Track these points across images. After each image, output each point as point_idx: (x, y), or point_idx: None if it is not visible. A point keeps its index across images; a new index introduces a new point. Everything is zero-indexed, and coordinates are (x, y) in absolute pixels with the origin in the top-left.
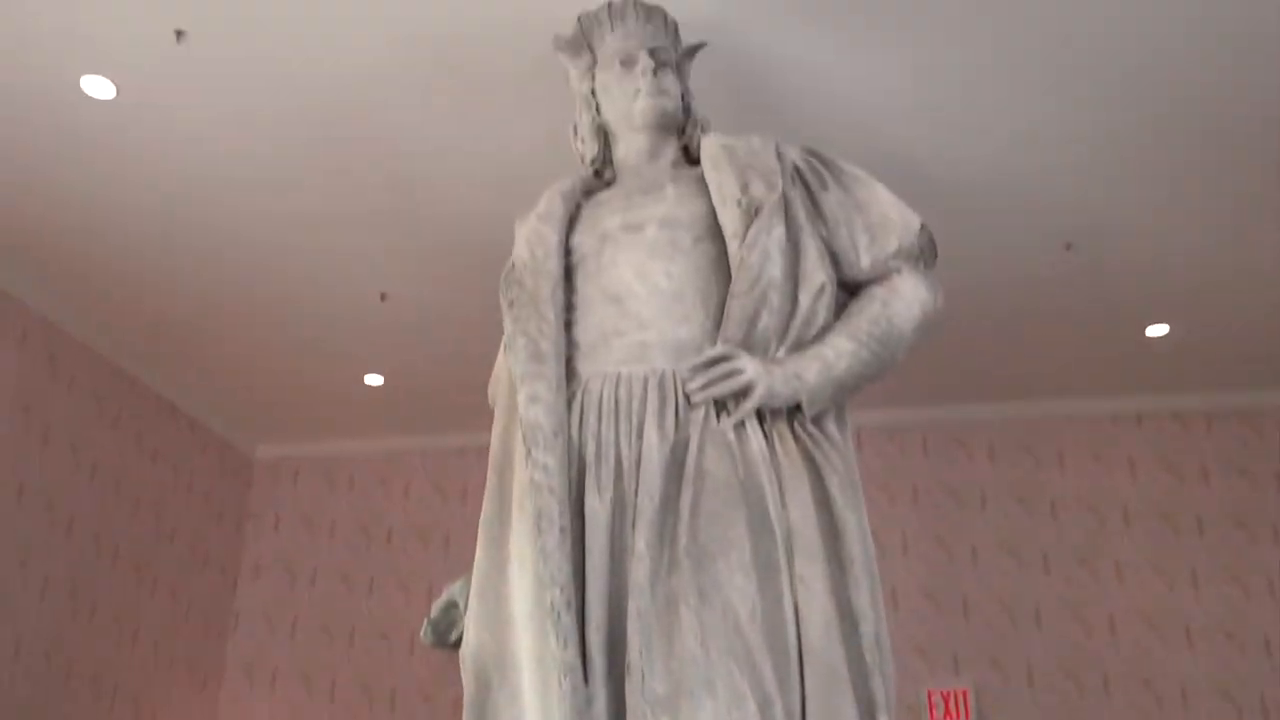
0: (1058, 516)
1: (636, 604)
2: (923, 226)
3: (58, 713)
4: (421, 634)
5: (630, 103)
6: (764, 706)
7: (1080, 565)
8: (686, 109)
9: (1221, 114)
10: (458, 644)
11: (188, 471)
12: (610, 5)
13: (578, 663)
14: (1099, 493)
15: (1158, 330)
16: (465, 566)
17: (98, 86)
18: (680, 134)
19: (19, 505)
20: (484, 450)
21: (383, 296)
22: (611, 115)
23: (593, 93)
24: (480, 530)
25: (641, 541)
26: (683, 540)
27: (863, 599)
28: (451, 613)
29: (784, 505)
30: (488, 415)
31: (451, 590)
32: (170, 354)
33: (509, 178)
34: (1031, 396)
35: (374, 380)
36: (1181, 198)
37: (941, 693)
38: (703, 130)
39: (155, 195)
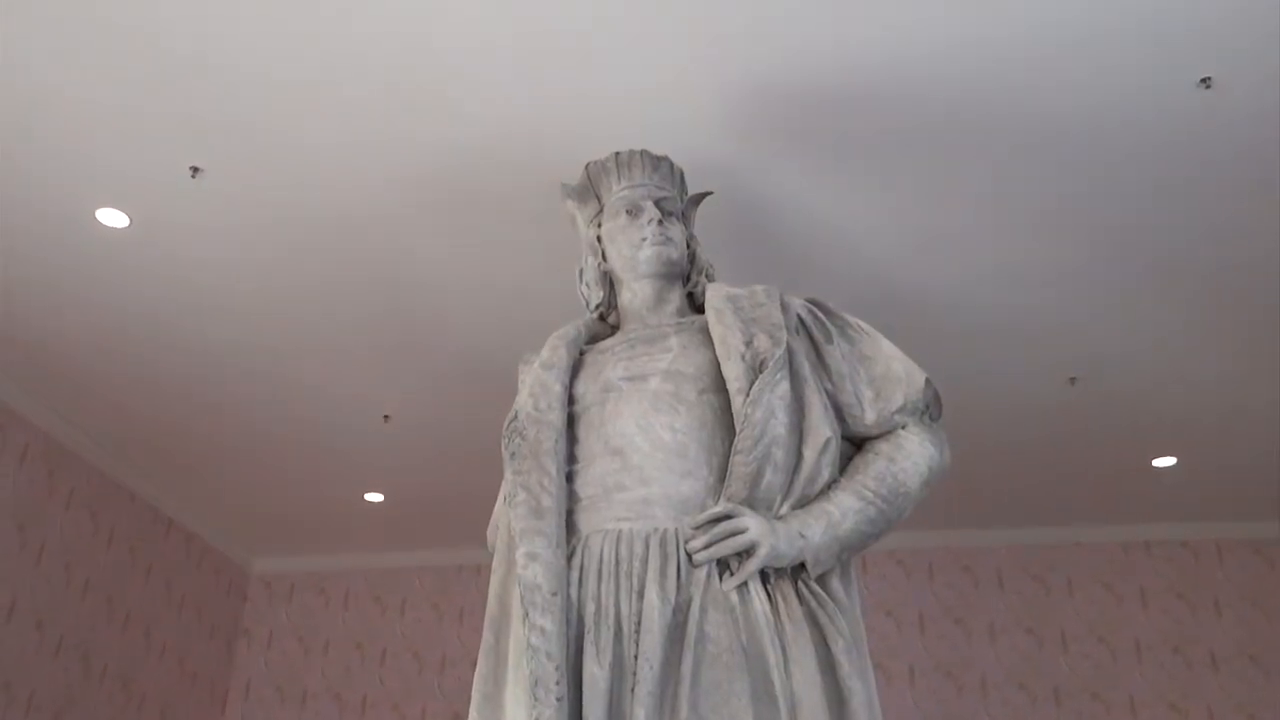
0: (1068, 648)
1: None
2: (928, 382)
3: None
4: None
5: (636, 251)
6: None
7: (1093, 700)
8: (692, 257)
9: (1224, 250)
10: None
11: (180, 586)
12: (618, 155)
13: None
14: (1110, 623)
15: (1165, 462)
16: (461, 689)
17: (113, 218)
18: (685, 281)
19: (8, 623)
20: (482, 569)
21: (385, 418)
22: (617, 263)
23: (599, 240)
24: (474, 688)
25: (641, 711)
26: (683, 710)
27: None
28: None
29: (788, 673)
30: (485, 535)
31: None
32: (167, 468)
33: (511, 307)
34: (1040, 524)
35: (374, 498)
36: (1185, 332)
37: None
38: (708, 278)
39: (162, 319)
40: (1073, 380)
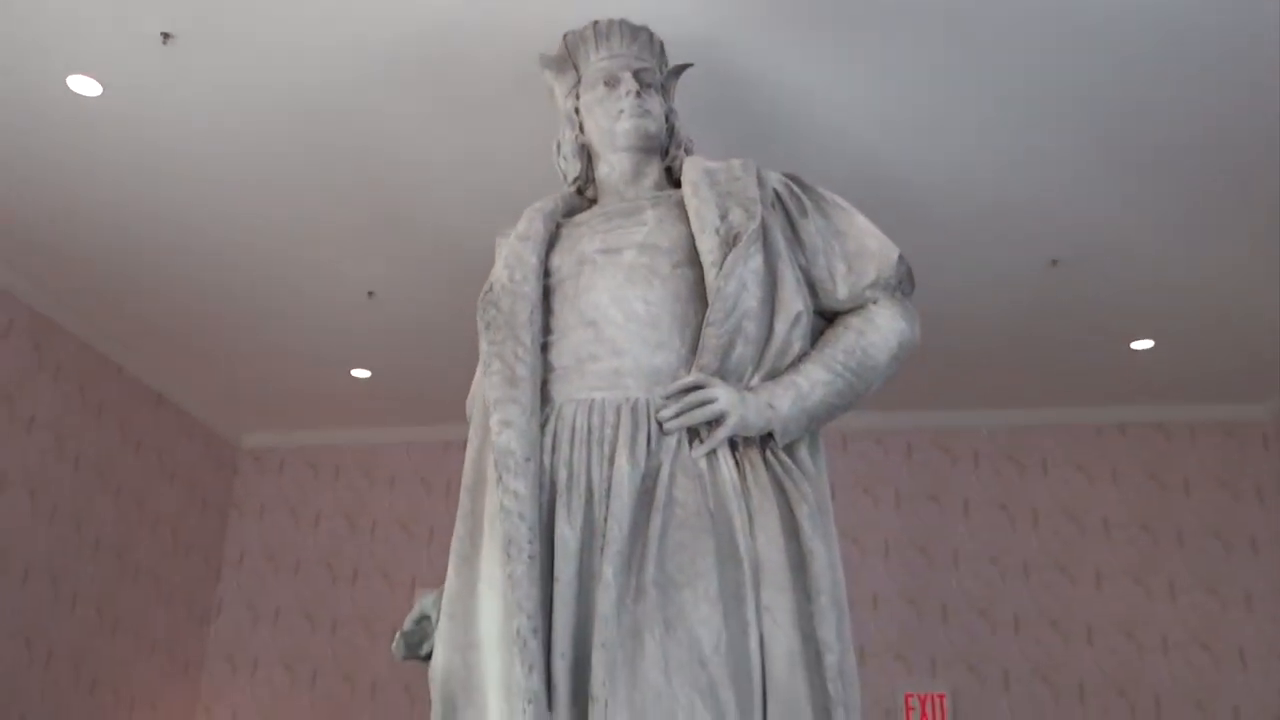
0: (1039, 525)
1: (601, 633)
2: (901, 257)
3: (38, 699)
4: (393, 646)
5: (613, 123)
6: None
7: (1060, 573)
8: (670, 130)
9: (1206, 133)
10: (428, 657)
11: (172, 460)
12: (596, 25)
13: (542, 690)
14: (1081, 502)
15: (1143, 345)
16: (448, 560)
17: (84, 85)
18: (663, 155)
19: (1, 494)
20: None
21: (370, 294)
22: (594, 135)
23: (576, 111)
24: (452, 550)
25: (609, 569)
26: (650, 569)
27: (828, 630)
28: (423, 625)
29: (752, 535)
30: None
31: (423, 603)
32: (157, 344)
33: (493, 183)
34: (1017, 405)
35: (361, 374)
36: (1166, 216)
37: (919, 696)
38: (686, 151)
39: (142, 191)
40: (1054, 262)
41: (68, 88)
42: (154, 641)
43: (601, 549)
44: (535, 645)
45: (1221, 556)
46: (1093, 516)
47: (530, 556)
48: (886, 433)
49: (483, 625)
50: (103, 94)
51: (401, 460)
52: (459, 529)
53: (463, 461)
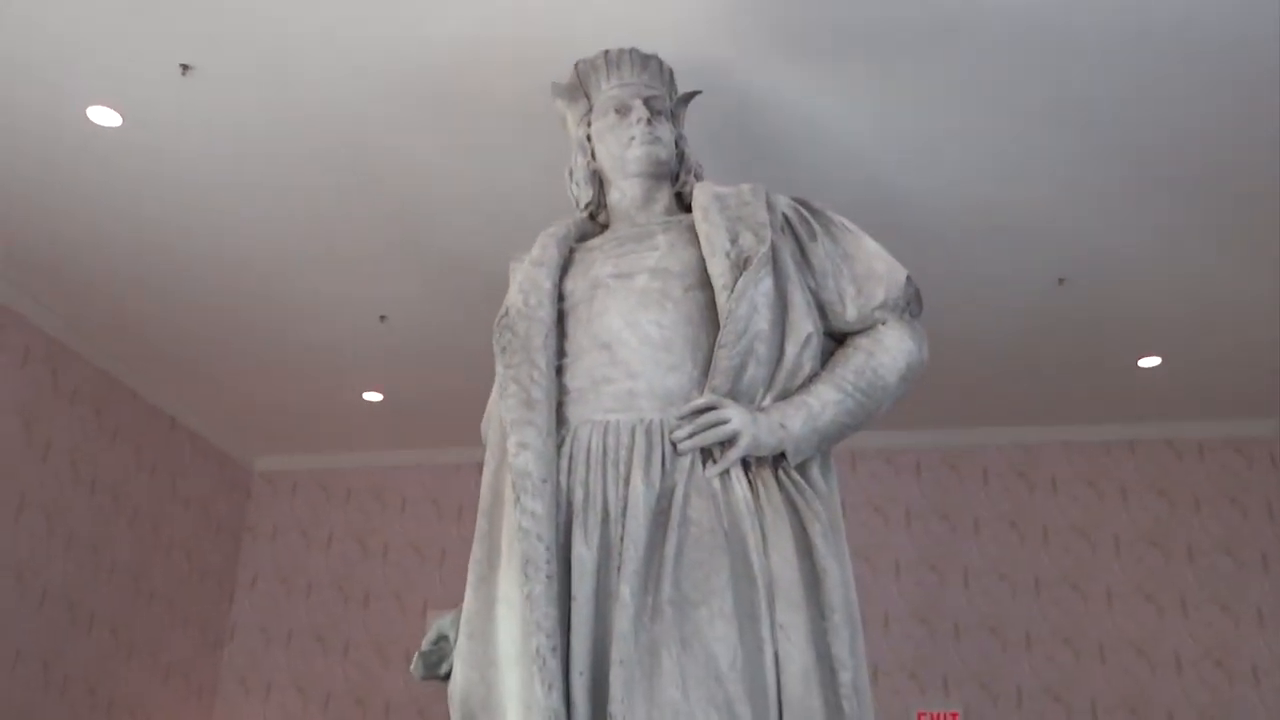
0: (1049, 542)
1: (619, 651)
2: (909, 279)
3: None
4: (411, 667)
5: (624, 150)
6: None
7: (1071, 590)
8: (680, 156)
9: (1211, 150)
10: (447, 676)
11: (186, 484)
12: (607, 54)
13: (561, 708)
14: (1091, 519)
15: (1150, 362)
16: (461, 582)
17: (104, 116)
18: (674, 181)
19: (18, 519)
20: (481, 467)
21: (382, 318)
22: (606, 162)
23: (588, 139)
24: (470, 570)
25: (626, 589)
26: (666, 588)
27: (842, 647)
28: (442, 645)
29: (766, 554)
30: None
31: (441, 624)
32: (171, 369)
33: (505, 207)
34: (1026, 423)
35: (373, 397)
36: (1172, 233)
37: (932, 714)
38: (696, 177)
39: (159, 220)
40: (1061, 281)
41: (88, 119)
42: (169, 665)
43: (618, 568)
44: (554, 663)
45: (1232, 573)
46: (1103, 533)
47: (548, 576)
48: (896, 451)
49: (501, 644)
50: (122, 125)
51: (413, 483)
52: (476, 550)
53: (474, 484)
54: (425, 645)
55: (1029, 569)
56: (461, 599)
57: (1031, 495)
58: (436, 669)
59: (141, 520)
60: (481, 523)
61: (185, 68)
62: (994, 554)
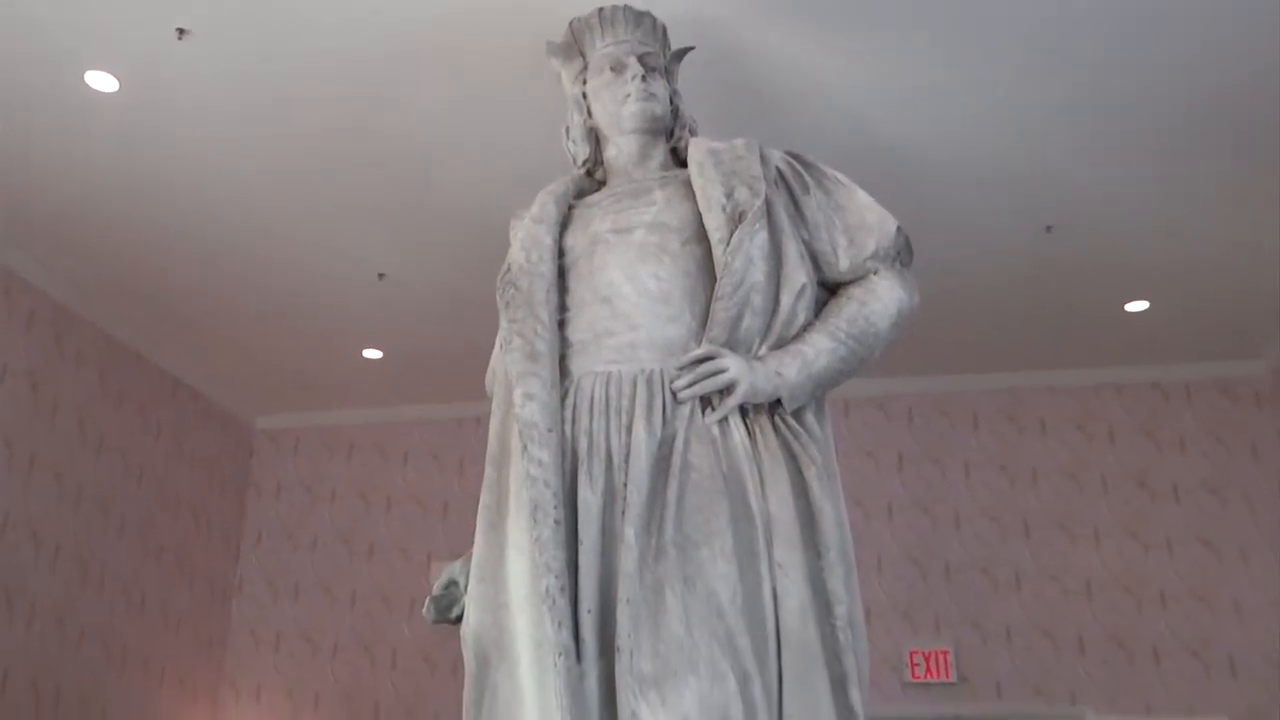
0: (1038, 484)
1: (625, 590)
2: (899, 229)
3: (71, 675)
4: (424, 610)
5: (620, 107)
6: (743, 683)
7: (1059, 531)
8: (675, 112)
9: (1198, 94)
10: (458, 620)
11: (190, 443)
12: (601, 11)
13: (571, 644)
14: (1079, 461)
15: (1137, 306)
16: (463, 533)
17: (102, 81)
18: (669, 137)
19: (29, 478)
20: (481, 420)
21: (381, 276)
22: (602, 119)
23: (584, 96)
24: (479, 517)
25: (630, 531)
26: (669, 530)
27: (837, 583)
28: (452, 590)
29: (764, 496)
30: (483, 388)
31: (451, 569)
32: (173, 330)
33: (504, 165)
34: (1015, 369)
35: (373, 354)
36: (1158, 179)
37: (923, 652)
38: (691, 133)
39: (158, 182)
40: (1049, 228)
41: (86, 84)
42: (179, 619)
43: (622, 512)
44: (563, 603)
45: (1217, 511)
46: (1090, 475)
47: (556, 521)
48: (888, 398)
49: (512, 586)
50: (120, 89)
51: (414, 437)
52: (485, 498)
53: (475, 437)
54: (436, 590)
55: (1018, 511)
56: (465, 549)
57: (1021, 439)
58: (447, 613)
59: (148, 479)
60: (490, 472)
61: (181, 31)
62: (984, 497)
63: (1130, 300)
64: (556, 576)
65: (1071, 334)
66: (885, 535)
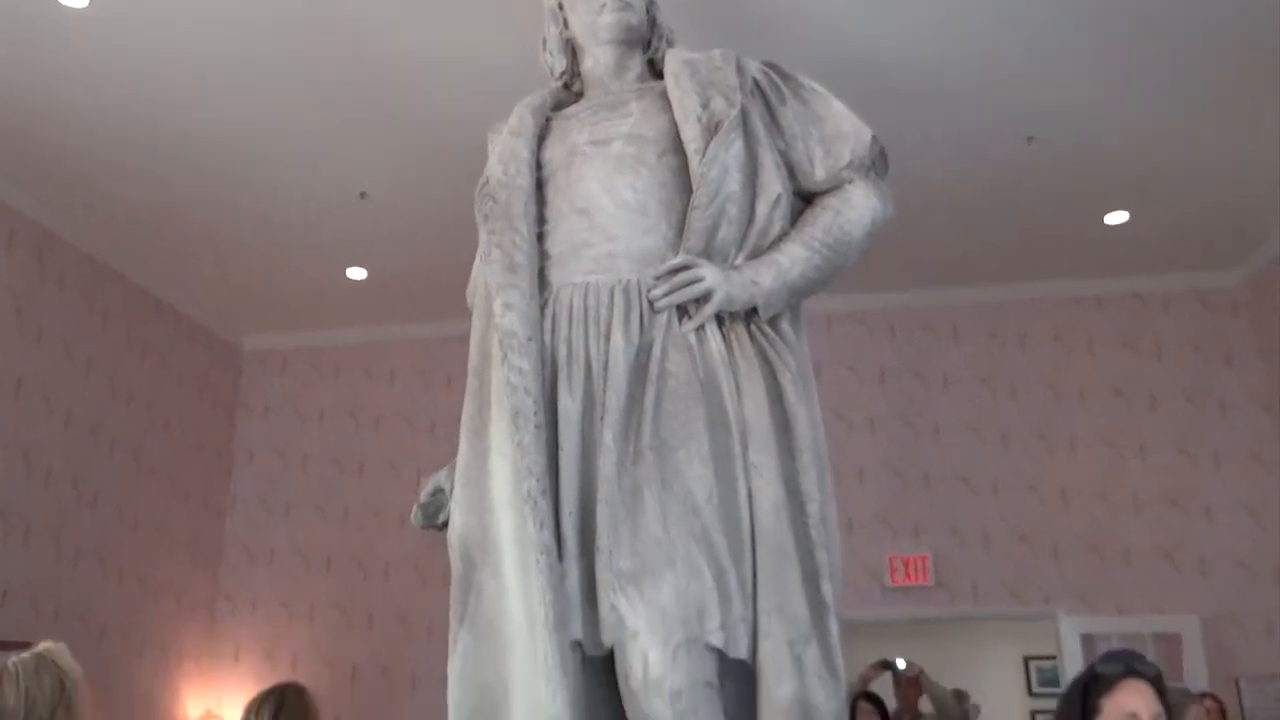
0: (1017, 395)
1: (604, 492)
2: (874, 139)
3: (69, 593)
4: (411, 517)
5: (596, 17)
6: (718, 578)
7: (1037, 440)
8: (652, 22)
9: (1178, 5)
10: (444, 526)
11: (177, 363)
12: None
13: (553, 543)
14: (1058, 372)
15: (1118, 218)
16: (451, 450)
17: None
18: (646, 48)
19: (18, 400)
20: (465, 339)
21: (362, 195)
22: (578, 30)
23: (560, 7)
24: (463, 425)
25: (609, 436)
26: (646, 435)
27: (810, 483)
28: (438, 497)
29: (740, 401)
30: (468, 308)
31: (437, 477)
32: (155, 251)
33: (480, 80)
34: (996, 281)
35: (356, 274)
36: (1139, 90)
37: (903, 558)
38: (668, 44)
39: (133, 99)
40: (1030, 139)
41: (56, 1)
42: (174, 537)
43: (601, 418)
44: (545, 504)
45: (1191, 418)
46: (1069, 385)
47: (536, 426)
48: (870, 313)
49: (495, 491)
50: (89, 4)
51: (401, 357)
52: (468, 406)
53: (461, 356)
54: (423, 497)
55: (997, 421)
56: (453, 463)
57: (1002, 351)
58: (434, 519)
59: (137, 400)
60: (472, 380)
61: None
62: (964, 408)
63: (1110, 211)
64: (538, 479)
65: (1052, 246)
66: (867, 447)
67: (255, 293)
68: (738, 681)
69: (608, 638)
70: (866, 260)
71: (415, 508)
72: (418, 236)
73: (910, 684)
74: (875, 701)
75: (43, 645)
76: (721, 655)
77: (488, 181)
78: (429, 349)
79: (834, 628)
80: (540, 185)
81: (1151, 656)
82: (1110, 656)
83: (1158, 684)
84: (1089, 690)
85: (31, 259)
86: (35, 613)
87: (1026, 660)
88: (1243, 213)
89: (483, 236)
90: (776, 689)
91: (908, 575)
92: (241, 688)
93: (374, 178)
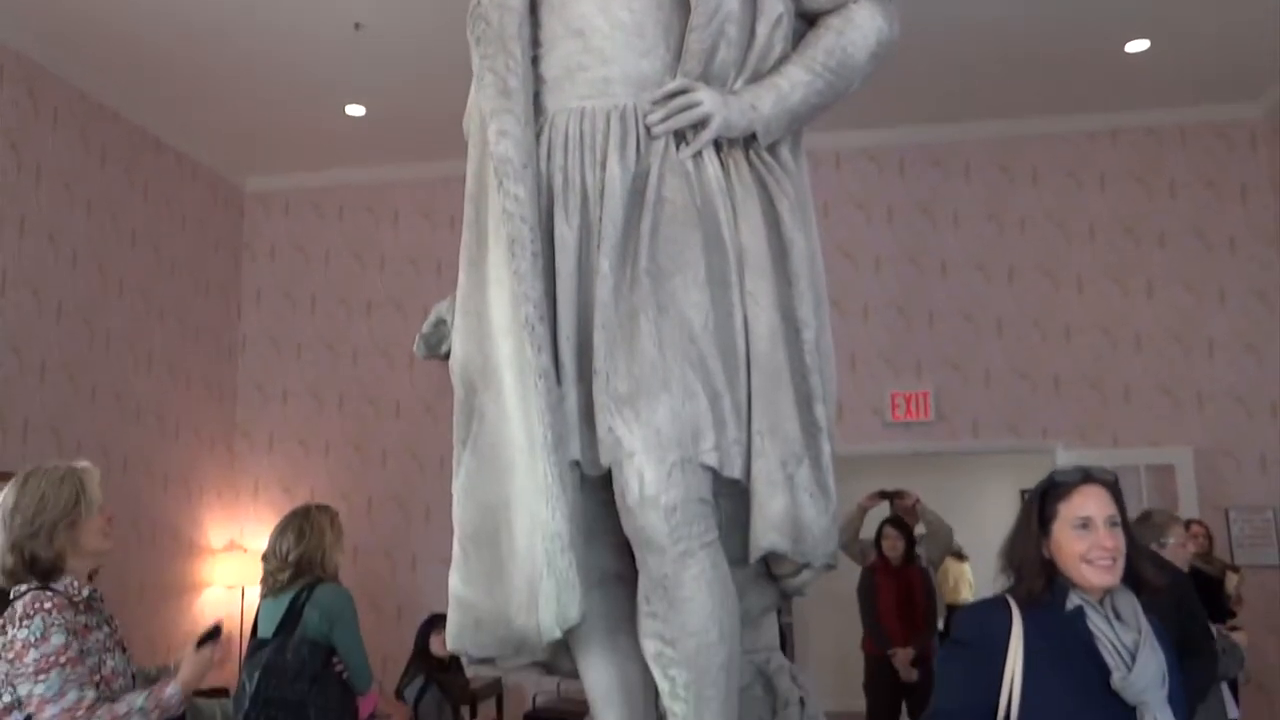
0: (1026, 232)
1: (601, 317)
2: None
3: (88, 428)
4: (415, 347)
5: None
6: (713, 400)
7: (1044, 277)
8: None
9: None
10: (447, 355)
11: (180, 205)
12: None
13: (550, 367)
14: (1068, 209)
15: (1138, 46)
16: (455, 289)
17: None
18: None
19: (21, 239)
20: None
21: (357, 26)
22: None
23: None
24: (461, 255)
25: (605, 262)
26: (643, 260)
27: (805, 310)
28: (440, 328)
29: (736, 228)
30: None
31: (439, 309)
32: (149, 88)
33: None
34: (1009, 116)
35: (355, 110)
36: None
37: (904, 394)
38: None
39: None
40: None
41: None
42: (188, 375)
43: (598, 245)
44: (542, 329)
45: (1200, 255)
46: (1079, 222)
47: (533, 253)
48: (881, 150)
49: (494, 318)
50: None
51: (404, 197)
52: (466, 236)
53: (463, 195)
54: (426, 328)
55: (1004, 258)
56: None
57: (1012, 187)
58: (437, 349)
59: (141, 241)
60: (469, 210)
61: None
62: (972, 245)
63: (1131, 39)
64: (535, 305)
65: (1069, 78)
66: (873, 285)
67: (253, 132)
68: (733, 501)
69: (605, 458)
70: (876, 94)
71: (418, 338)
72: (417, 69)
73: (908, 512)
74: (901, 526)
75: (81, 463)
76: (716, 476)
77: (480, 2)
78: (432, 189)
79: (826, 448)
80: (535, 7)
81: (1145, 487)
82: (1070, 468)
83: (1114, 490)
84: (1047, 497)
85: (23, 94)
86: (58, 445)
87: (1022, 493)
88: (1268, 40)
89: (475, 60)
90: (768, 504)
91: (909, 411)
92: (262, 520)
93: (369, 7)
